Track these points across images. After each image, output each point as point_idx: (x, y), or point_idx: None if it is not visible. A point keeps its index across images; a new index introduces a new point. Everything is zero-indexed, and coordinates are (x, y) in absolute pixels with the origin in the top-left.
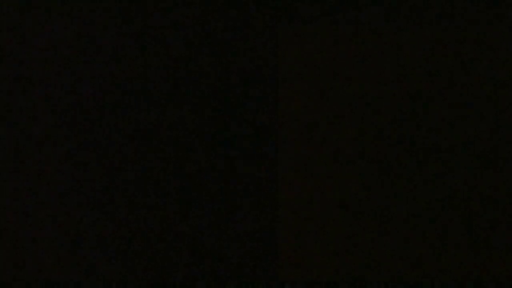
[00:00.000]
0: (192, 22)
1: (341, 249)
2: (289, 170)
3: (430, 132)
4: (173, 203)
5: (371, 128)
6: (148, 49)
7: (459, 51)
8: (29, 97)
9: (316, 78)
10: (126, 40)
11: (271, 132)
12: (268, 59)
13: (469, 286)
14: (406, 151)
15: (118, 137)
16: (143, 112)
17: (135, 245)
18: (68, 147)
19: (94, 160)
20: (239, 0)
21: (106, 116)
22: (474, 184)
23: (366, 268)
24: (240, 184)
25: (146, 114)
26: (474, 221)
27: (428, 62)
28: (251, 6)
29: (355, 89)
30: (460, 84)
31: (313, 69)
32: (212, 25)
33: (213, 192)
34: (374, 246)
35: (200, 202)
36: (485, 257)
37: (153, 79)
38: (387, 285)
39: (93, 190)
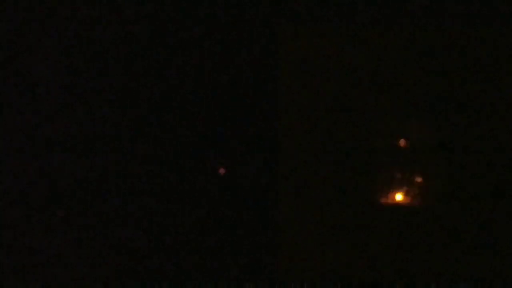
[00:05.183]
0: (191, 22)
1: (341, 249)
2: (289, 169)
3: (431, 132)
4: (173, 203)
5: (372, 128)
6: (147, 49)
7: (461, 51)
8: (32, 97)
9: (316, 78)
10: (125, 40)
11: (271, 132)
12: (268, 59)
13: (469, 286)
14: (407, 151)
15: (117, 136)
16: (141, 112)
17: (134, 245)
18: (71, 149)
19: (94, 158)
20: (239, 0)
21: (107, 114)
22: (474, 183)
23: (366, 268)
24: (240, 184)
25: (144, 114)
26: (474, 221)
27: (428, 62)
28: (251, 6)
29: (355, 89)
30: (462, 84)
31: (313, 69)
32: (211, 25)
33: (213, 193)
34: (375, 246)
35: (199, 202)
36: (485, 257)
37: (152, 78)
38: (387, 285)
39: (91, 189)
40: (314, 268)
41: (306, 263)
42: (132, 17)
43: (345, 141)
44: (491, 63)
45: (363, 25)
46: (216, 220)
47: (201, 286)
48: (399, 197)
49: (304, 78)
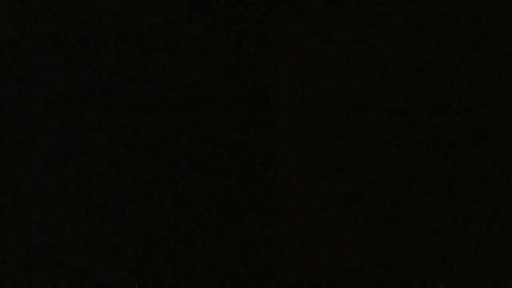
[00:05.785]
0: (191, 21)
1: (342, 249)
2: (289, 170)
3: (432, 132)
4: (172, 203)
5: (372, 128)
6: (146, 49)
7: (461, 51)
8: (27, 94)
9: (317, 78)
10: (124, 39)
11: (271, 132)
12: (268, 59)
13: (470, 287)
14: (407, 151)
15: (117, 137)
16: (141, 113)
17: (134, 246)
18: (69, 147)
19: (93, 159)
20: (239, 0)
21: (103, 116)
22: (477, 184)
23: (367, 269)
24: (239, 184)
25: (144, 114)
26: (478, 223)
27: (429, 62)
28: (251, 6)
29: (355, 89)
30: (462, 85)
31: (313, 69)
32: (211, 25)
33: (213, 192)
34: (375, 246)
35: (199, 202)
36: (486, 259)
37: (151, 78)
38: (388, 286)
39: (91, 190)
40: (314, 269)
41: (307, 264)
42: (131, 17)
43: (345, 141)
44: (493, 64)
45: (364, 25)
46: (215, 220)
47: (200, 286)
48: (402, 197)
49: (304, 79)
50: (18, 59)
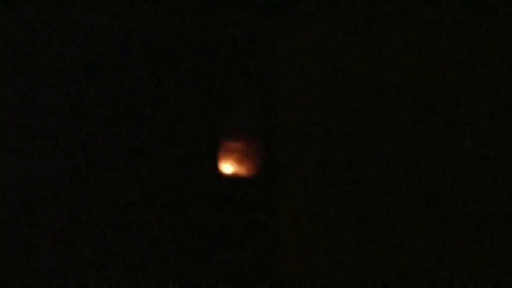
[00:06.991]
0: (191, 22)
1: (342, 250)
2: (289, 170)
3: (433, 132)
4: (172, 203)
5: (372, 129)
6: (146, 49)
7: (461, 51)
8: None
9: (317, 78)
10: (127, 42)
11: (271, 133)
12: (268, 59)
13: (471, 286)
14: (408, 152)
15: (115, 136)
16: (141, 113)
17: (134, 246)
18: (67, 148)
19: (93, 158)
20: (239, 0)
21: (103, 114)
22: (476, 184)
23: (367, 269)
24: (240, 184)
25: (144, 117)
26: (477, 221)
27: (429, 62)
28: (251, 6)
29: (356, 89)
30: (462, 85)
31: (313, 69)
32: (211, 25)
33: (213, 192)
34: (375, 246)
35: (199, 202)
36: (487, 258)
37: (151, 79)
38: (388, 286)
39: (90, 190)
40: (314, 269)
41: (307, 264)
42: (130, 17)
43: (345, 141)
44: (493, 64)
45: (363, 25)
46: (215, 221)
47: (200, 286)
48: (401, 196)
49: (304, 79)
50: (19, 62)
